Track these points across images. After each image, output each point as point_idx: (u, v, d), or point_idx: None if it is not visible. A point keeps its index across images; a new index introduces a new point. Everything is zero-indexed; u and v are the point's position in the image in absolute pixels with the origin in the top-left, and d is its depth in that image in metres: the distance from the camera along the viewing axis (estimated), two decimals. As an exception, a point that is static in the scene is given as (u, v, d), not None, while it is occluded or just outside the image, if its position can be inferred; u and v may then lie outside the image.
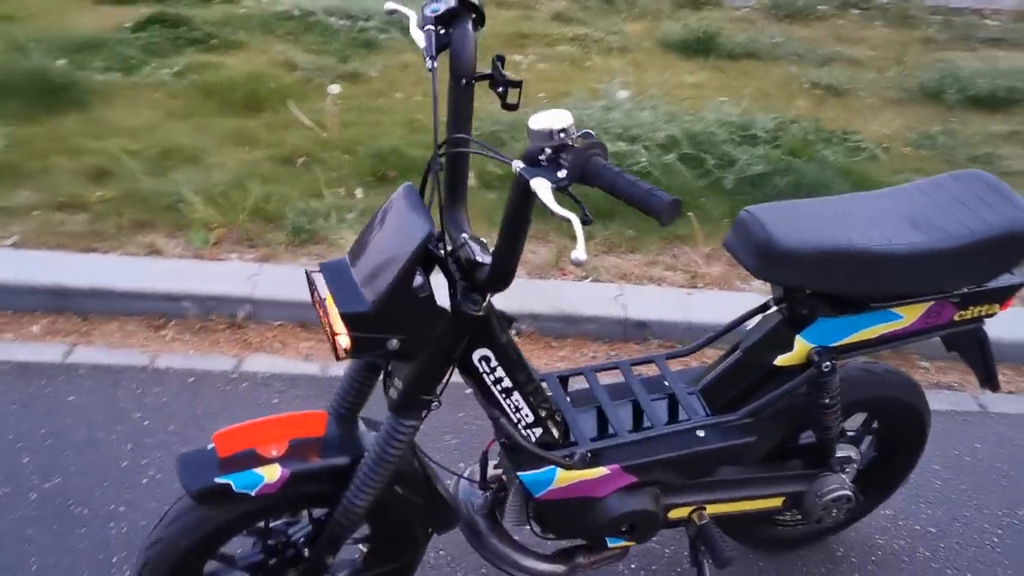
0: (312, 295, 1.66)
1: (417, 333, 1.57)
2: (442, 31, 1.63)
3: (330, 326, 1.58)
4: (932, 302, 1.90)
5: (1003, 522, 2.50)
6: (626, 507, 1.91)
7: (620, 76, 4.94)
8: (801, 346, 1.90)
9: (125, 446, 2.57)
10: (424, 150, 4.18)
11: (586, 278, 3.35)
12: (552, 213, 1.27)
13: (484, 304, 1.59)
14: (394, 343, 1.56)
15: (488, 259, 1.58)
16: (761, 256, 1.75)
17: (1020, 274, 1.94)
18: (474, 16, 1.65)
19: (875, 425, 2.23)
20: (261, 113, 4.53)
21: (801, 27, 6.74)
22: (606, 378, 2.06)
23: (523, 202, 1.42)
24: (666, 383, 2.03)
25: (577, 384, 2.04)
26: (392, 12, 1.78)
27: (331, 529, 1.79)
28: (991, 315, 2.00)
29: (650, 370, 2.11)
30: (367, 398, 1.84)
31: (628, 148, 3.98)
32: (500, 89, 1.61)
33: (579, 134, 1.33)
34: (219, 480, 1.65)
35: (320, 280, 1.60)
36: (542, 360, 3.04)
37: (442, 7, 1.64)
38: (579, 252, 1.23)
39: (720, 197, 3.85)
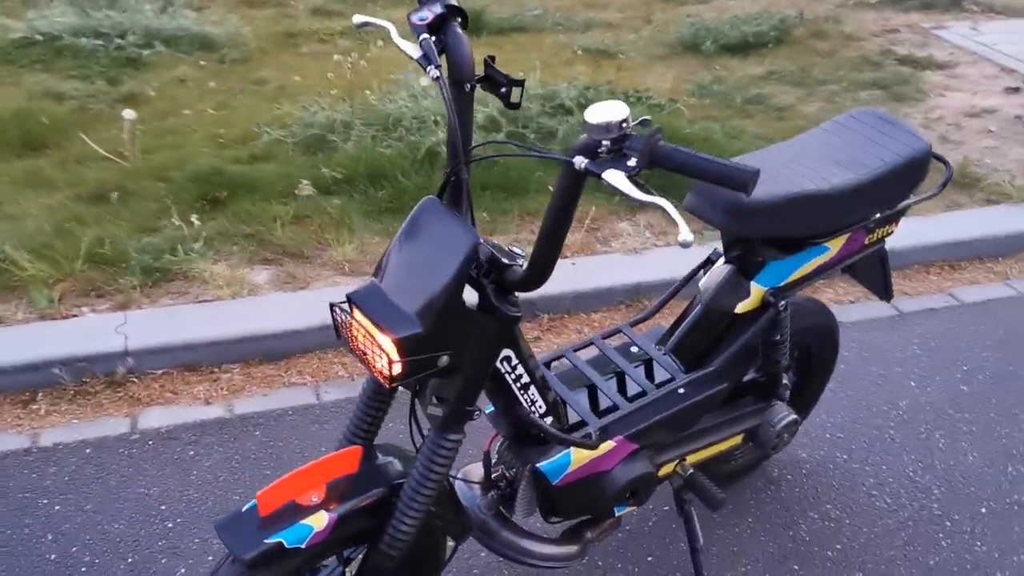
0: (339, 329, 1.59)
1: (465, 345, 1.55)
2: (433, 38, 1.60)
3: (373, 356, 1.53)
4: (851, 232, 2.12)
5: (892, 415, 2.84)
6: (631, 474, 2.00)
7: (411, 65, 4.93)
8: (756, 291, 2.06)
9: (45, 538, 2.32)
10: (244, 165, 4.01)
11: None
12: (638, 201, 1.31)
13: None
14: (444, 360, 1.54)
15: (509, 260, 1.59)
16: (732, 213, 1.87)
17: (913, 194, 2.21)
18: (459, 19, 1.64)
19: (796, 352, 2.45)
20: (45, 151, 4.12)
21: (544, -1, 7.02)
22: (583, 354, 2.13)
23: (573, 197, 1.45)
24: (638, 349, 2.13)
25: (557, 367, 2.10)
26: (362, 26, 1.72)
27: (375, 562, 1.74)
28: (890, 234, 2.26)
29: (619, 340, 2.20)
30: (382, 422, 1.80)
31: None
32: (503, 90, 1.61)
33: (637, 122, 1.38)
34: (270, 540, 1.56)
35: (354, 311, 1.54)
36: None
37: (429, 14, 1.62)
38: (685, 234, 1.27)
39: (557, 169, 3.98)
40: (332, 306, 1.59)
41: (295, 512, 1.60)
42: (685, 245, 1.27)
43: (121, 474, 2.53)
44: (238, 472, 2.56)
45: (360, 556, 1.80)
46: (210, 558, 2.27)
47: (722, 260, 2.13)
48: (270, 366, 2.98)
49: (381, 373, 1.53)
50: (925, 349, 3.15)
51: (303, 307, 3.10)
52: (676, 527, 2.39)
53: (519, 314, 1.59)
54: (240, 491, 2.49)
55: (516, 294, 1.60)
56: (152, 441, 2.66)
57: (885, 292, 2.40)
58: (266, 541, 1.55)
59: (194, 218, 3.53)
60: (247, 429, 2.72)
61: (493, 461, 2.01)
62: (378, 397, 1.77)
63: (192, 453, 2.62)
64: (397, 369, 1.49)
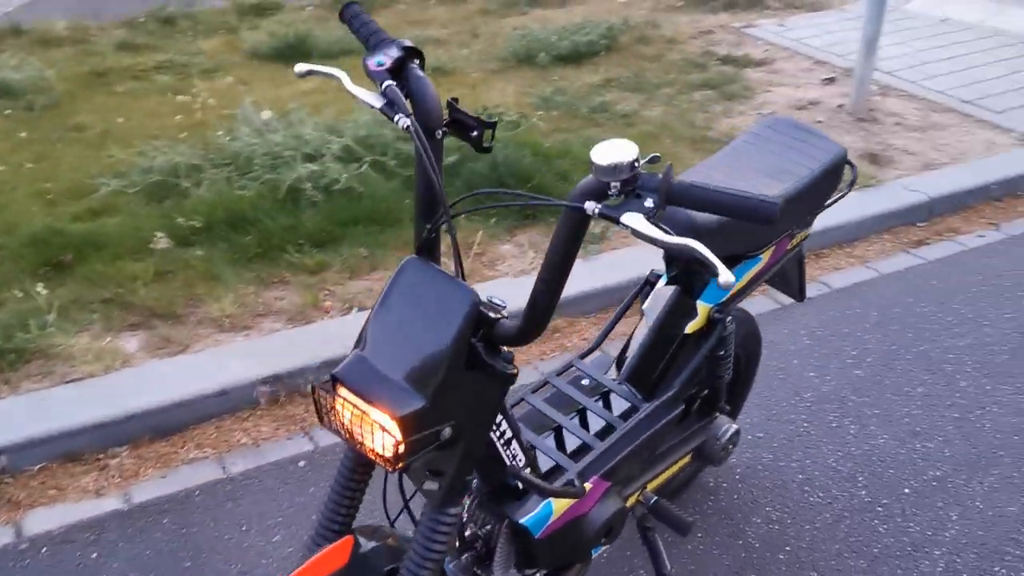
0: (321, 412, 1.44)
1: (465, 413, 1.44)
2: (394, 83, 1.48)
3: (368, 439, 1.39)
4: (778, 241, 2.15)
5: (801, 408, 2.92)
6: (607, 513, 1.94)
7: (247, 97, 4.68)
8: (703, 309, 2.05)
9: None
10: (85, 221, 3.66)
11: (352, 309, 3.21)
12: (664, 244, 1.24)
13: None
14: (447, 432, 1.42)
15: (495, 314, 1.48)
16: (685, 232, 1.85)
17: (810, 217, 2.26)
18: (417, 61, 1.52)
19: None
20: None
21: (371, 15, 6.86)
22: (540, 394, 2.05)
23: (575, 243, 1.37)
24: (593, 382, 2.07)
25: (518, 411, 2.00)
26: (306, 75, 1.57)
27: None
28: (807, 237, 2.31)
29: (572, 374, 2.13)
30: (360, 505, 1.65)
31: (319, 168, 3.83)
32: (473, 133, 1.51)
33: (646, 160, 1.31)
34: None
35: (340, 389, 1.39)
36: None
37: (387, 59, 1.49)
38: (726, 276, 1.21)
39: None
40: (313, 387, 1.43)
41: (294, 620, 1.43)
42: (728, 287, 1.21)
43: (16, 592, 2.23)
44: (153, 570, 2.31)
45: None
46: (145, 673, 2.03)
47: (663, 282, 2.11)
48: (163, 443, 2.72)
49: (381, 456, 1.39)
50: (814, 339, 3.27)
51: (188, 373, 2.85)
52: (631, 554, 2.35)
53: (515, 371, 1.48)
54: (161, 590, 2.25)
55: (508, 349, 1.49)
56: (45, 548, 2.36)
57: (800, 293, 2.46)
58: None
59: (40, 287, 3.18)
60: (152, 518, 2.46)
61: (463, 520, 1.89)
62: (356, 478, 1.61)
63: (95, 555, 2.34)
64: (401, 450, 1.36)
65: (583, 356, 2.16)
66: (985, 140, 4.68)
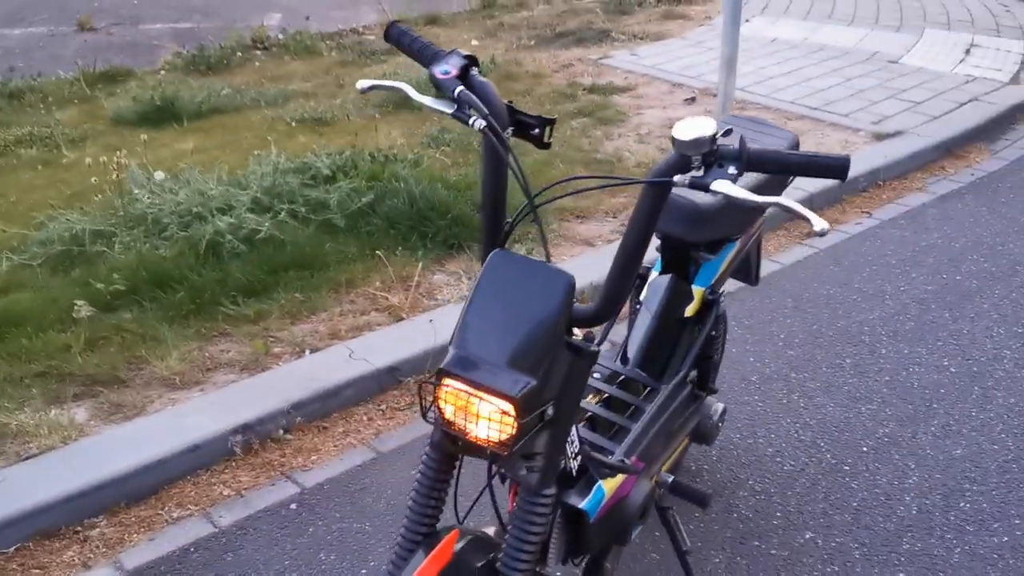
0: (425, 409, 1.47)
1: (562, 391, 1.51)
2: (464, 88, 1.54)
3: (477, 427, 1.44)
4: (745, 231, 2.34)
5: (751, 389, 3.11)
6: (643, 494, 2.03)
7: (131, 161, 4.54)
8: (698, 292, 2.20)
9: None
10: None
11: (304, 351, 3.18)
12: (756, 203, 1.36)
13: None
14: (549, 411, 1.48)
15: None
16: (693, 222, 1.99)
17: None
18: (476, 68, 1.60)
19: None
20: None
21: (227, 76, 6.80)
22: None
23: (654, 218, 1.47)
24: (608, 372, 2.16)
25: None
26: (369, 90, 1.61)
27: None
28: (764, 222, 2.51)
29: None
30: (445, 502, 1.68)
31: (235, 220, 3.78)
32: (535, 131, 1.59)
33: (722, 132, 1.43)
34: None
35: (446, 383, 1.43)
36: (330, 444, 2.87)
37: (452, 68, 1.55)
38: (819, 222, 1.34)
39: (348, 236, 3.89)
40: (420, 384, 1.47)
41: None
42: (823, 233, 1.34)
43: None
44: (170, 630, 2.22)
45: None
46: None
47: (655, 273, 2.25)
48: (141, 507, 2.61)
49: (492, 442, 1.44)
50: (744, 328, 3.49)
51: (153, 433, 2.75)
52: (639, 541, 2.45)
53: (598, 349, 1.57)
54: (186, 649, 2.16)
55: (590, 330, 1.57)
56: (45, 629, 2.22)
57: (755, 278, 2.65)
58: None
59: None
60: (149, 582, 2.36)
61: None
62: (441, 477, 1.64)
63: (102, 628, 2.22)
64: (517, 431, 1.42)
65: (592, 349, 2.25)
66: (840, 140, 5.13)
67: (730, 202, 2.03)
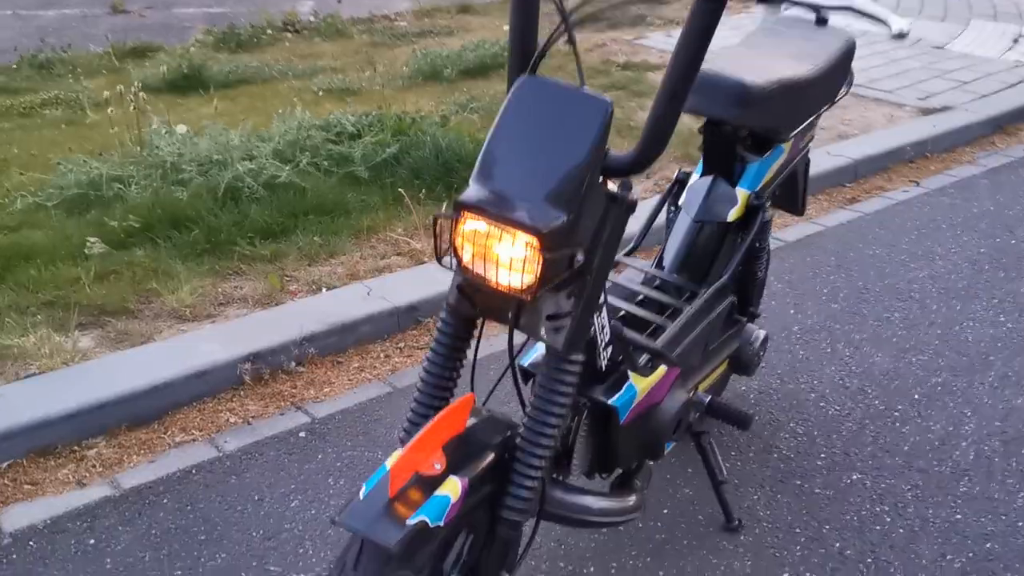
0: (439, 248, 1.31)
1: (594, 241, 1.34)
2: None
3: (497, 267, 1.28)
4: (798, 133, 2.16)
5: (792, 339, 2.92)
6: (678, 403, 1.87)
7: (156, 118, 4.44)
8: (742, 195, 2.03)
9: None
10: (4, 234, 3.36)
11: (321, 289, 3.03)
12: (826, 6, 1.20)
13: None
14: (580, 257, 1.32)
15: None
16: (741, 103, 1.83)
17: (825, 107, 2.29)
18: None
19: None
20: None
21: (256, 54, 6.72)
22: None
23: (706, 36, 1.30)
24: (644, 275, 2.00)
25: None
26: None
27: (502, 537, 1.44)
28: (811, 141, 2.34)
29: (621, 269, 2.05)
30: (461, 372, 1.52)
31: (255, 166, 3.66)
32: None
33: None
34: (413, 521, 1.24)
35: (466, 218, 1.27)
36: (344, 378, 2.72)
37: None
38: (897, 22, 1.18)
39: (372, 187, 3.75)
40: (435, 218, 1.31)
41: (424, 485, 1.29)
42: (902, 34, 1.18)
43: (10, 587, 1.94)
44: (164, 546, 2.06)
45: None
46: (184, 646, 1.79)
47: (696, 176, 2.08)
48: (142, 431, 2.46)
49: (516, 289, 1.28)
50: (784, 283, 3.30)
51: (160, 359, 2.62)
52: (671, 476, 2.27)
53: (636, 199, 1.40)
54: (179, 564, 2.01)
55: (627, 180, 1.41)
56: (32, 541, 2.07)
57: (801, 205, 2.47)
58: (410, 523, 1.23)
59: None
60: (150, 500, 2.21)
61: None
62: (458, 343, 1.49)
63: (93, 542, 2.07)
64: (540, 270, 1.25)
65: (627, 254, 2.09)
66: (885, 114, 4.94)
67: (779, 85, 1.89)
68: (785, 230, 3.78)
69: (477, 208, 1.27)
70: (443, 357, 1.48)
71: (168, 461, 2.36)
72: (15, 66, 6.28)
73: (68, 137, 4.65)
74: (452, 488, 1.29)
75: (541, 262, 1.24)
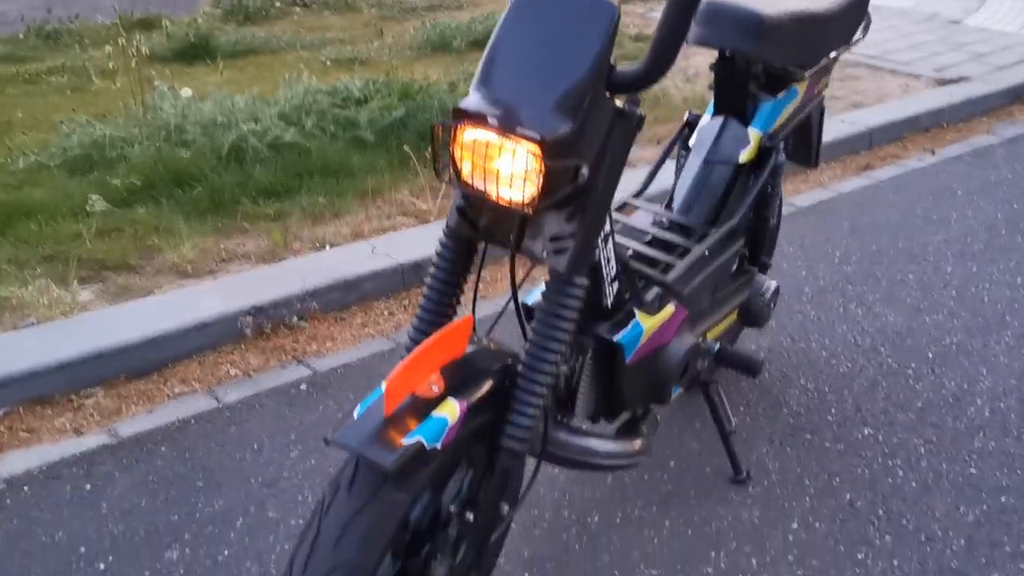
0: (438, 157, 1.26)
1: (599, 157, 1.29)
2: None
3: (497, 180, 1.23)
4: (809, 78, 2.10)
5: (804, 299, 2.86)
6: (685, 346, 1.82)
7: (160, 82, 4.40)
8: (755, 136, 1.97)
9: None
10: (7, 191, 3.32)
11: (325, 247, 2.99)
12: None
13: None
14: (584, 171, 1.27)
15: None
16: (756, 34, 1.77)
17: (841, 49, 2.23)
18: None
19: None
20: None
21: (265, 26, 6.68)
22: None
23: None
24: (653, 215, 1.94)
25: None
26: None
27: (502, 467, 1.39)
28: (825, 88, 2.27)
29: (630, 211, 2.00)
30: (461, 299, 1.47)
31: (260, 128, 3.61)
32: None
33: None
34: (410, 441, 1.19)
35: (465, 127, 1.22)
36: (347, 334, 2.67)
37: None
38: None
39: (378, 150, 3.71)
40: (434, 125, 1.26)
41: (421, 405, 1.24)
42: None
43: (4, 529, 1.90)
44: (161, 492, 2.03)
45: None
46: (179, 588, 1.76)
47: (707, 117, 2.03)
48: (141, 382, 2.43)
49: (518, 203, 1.23)
50: (796, 247, 3.24)
51: (160, 311, 2.58)
52: (678, 430, 2.23)
53: (643, 114, 1.35)
54: (176, 510, 1.97)
55: (634, 95, 1.35)
56: (28, 487, 2.04)
57: (814, 159, 2.40)
58: (406, 442, 1.18)
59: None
60: (147, 448, 2.18)
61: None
62: (458, 268, 1.44)
63: (89, 488, 2.04)
64: (542, 182, 1.20)
65: (635, 196, 2.03)
66: (900, 84, 4.86)
67: (795, 18, 1.82)
68: (798, 196, 3.71)
69: (476, 115, 1.22)
70: (442, 282, 1.44)
71: (167, 411, 2.32)
72: (22, 36, 6.25)
73: (73, 103, 4.61)
74: (450, 410, 1.24)
75: (543, 171, 1.19)
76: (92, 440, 2.20)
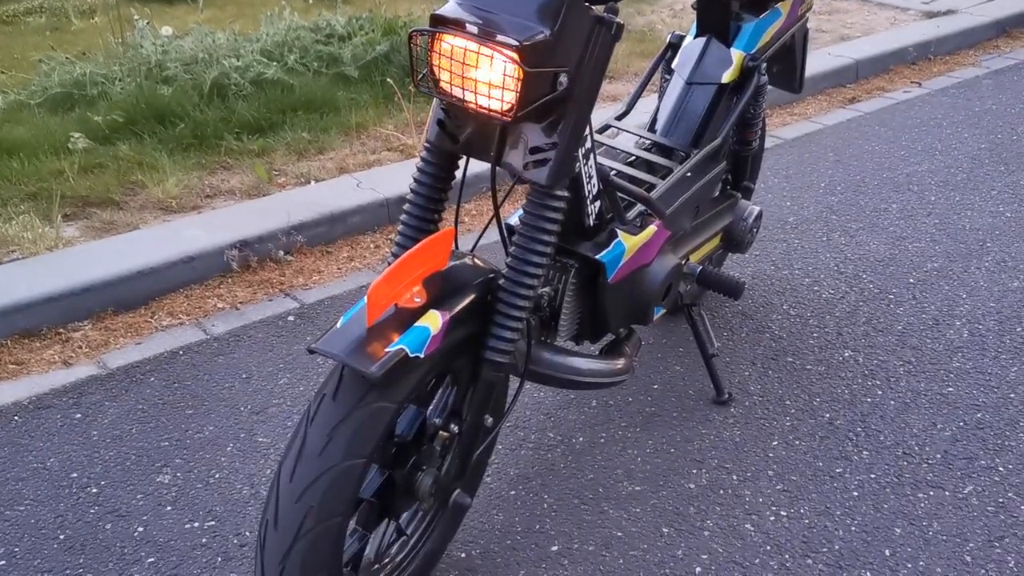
0: (415, 66, 1.26)
1: (579, 61, 1.29)
2: None
3: (475, 88, 1.23)
4: (793, -2, 2.09)
5: (788, 228, 2.88)
6: (667, 266, 1.83)
7: (139, 19, 4.34)
8: (737, 56, 1.97)
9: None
10: None
11: (310, 182, 2.99)
12: None
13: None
14: (563, 79, 1.27)
15: None
16: None
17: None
18: None
19: None
20: None
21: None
22: None
23: None
24: (636, 138, 1.95)
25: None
26: None
27: (485, 380, 1.42)
28: (809, 9, 2.26)
29: (612, 133, 2.00)
30: (443, 212, 1.48)
31: (242, 64, 3.58)
32: None
33: None
34: (392, 349, 1.21)
35: (443, 36, 1.22)
36: (333, 267, 2.68)
37: None
38: None
39: (362, 85, 3.68)
40: (411, 34, 1.26)
41: (403, 316, 1.25)
42: None
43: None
44: (151, 420, 2.05)
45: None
46: (169, 508, 1.78)
47: (690, 38, 2.02)
48: (129, 315, 2.44)
49: (492, 110, 1.23)
50: (781, 178, 3.25)
51: (146, 245, 2.58)
52: (662, 355, 2.25)
53: (622, 23, 1.35)
54: (166, 436, 1.99)
55: (613, 4, 1.35)
56: (19, 416, 2.06)
57: (798, 84, 2.39)
58: (389, 350, 1.20)
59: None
60: (136, 378, 2.20)
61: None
62: (439, 180, 1.45)
63: (79, 416, 2.06)
64: (521, 88, 1.20)
65: (618, 118, 2.03)
66: (888, 17, 4.84)
67: None
68: (783, 128, 3.72)
69: (455, 21, 1.22)
70: (424, 197, 1.45)
71: (155, 343, 2.33)
72: (-1, -22, 6.13)
73: (53, 42, 4.54)
74: (432, 321, 1.26)
75: (521, 79, 1.19)
76: (81, 371, 2.22)
